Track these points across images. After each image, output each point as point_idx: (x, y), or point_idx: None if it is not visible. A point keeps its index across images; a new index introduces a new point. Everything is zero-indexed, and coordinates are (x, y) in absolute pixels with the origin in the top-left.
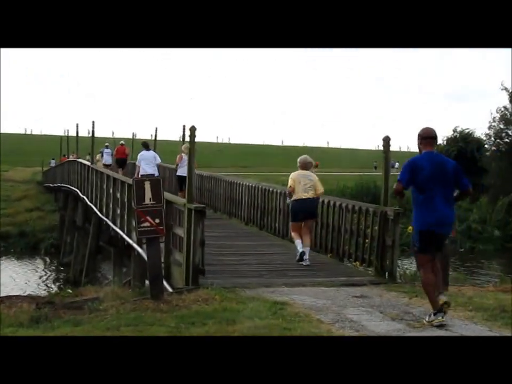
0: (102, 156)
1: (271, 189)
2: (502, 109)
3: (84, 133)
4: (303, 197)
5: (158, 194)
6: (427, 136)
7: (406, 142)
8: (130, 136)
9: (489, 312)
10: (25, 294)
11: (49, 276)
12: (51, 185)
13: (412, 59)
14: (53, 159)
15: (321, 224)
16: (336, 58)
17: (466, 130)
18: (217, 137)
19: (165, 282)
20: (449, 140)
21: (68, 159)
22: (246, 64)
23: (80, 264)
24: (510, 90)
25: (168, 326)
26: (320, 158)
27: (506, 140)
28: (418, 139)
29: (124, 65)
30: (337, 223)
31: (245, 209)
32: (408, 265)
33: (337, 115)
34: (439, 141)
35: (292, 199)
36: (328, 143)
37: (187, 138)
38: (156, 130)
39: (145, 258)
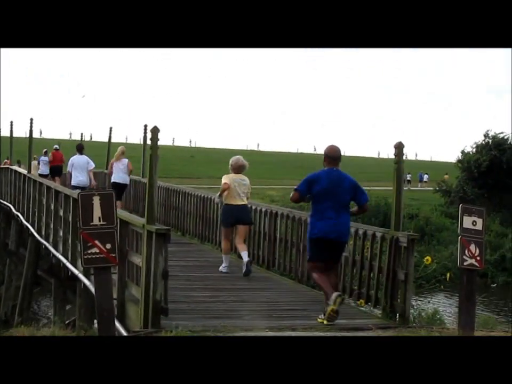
0: (39, 163)
1: (253, 207)
2: None
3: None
4: (239, 203)
5: (110, 213)
6: (331, 156)
7: (413, 148)
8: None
9: None
10: None
11: None
12: None
13: (412, 59)
14: None
15: None
16: (336, 58)
17: (501, 135)
18: (190, 141)
19: (117, 324)
20: (480, 147)
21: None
22: (244, 65)
23: (13, 298)
24: None
25: None
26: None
27: None
28: (324, 156)
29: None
30: None
31: (220, 232)
32: (425, 304)
33: (337, 116)
34: (469, 149)
35: (225, 202)
36: (344, 152)
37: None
38: (110, 130)
39: (94, 292)
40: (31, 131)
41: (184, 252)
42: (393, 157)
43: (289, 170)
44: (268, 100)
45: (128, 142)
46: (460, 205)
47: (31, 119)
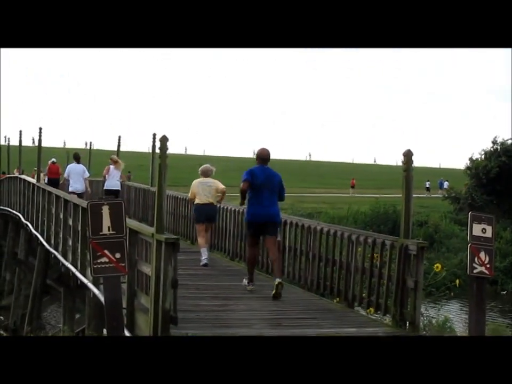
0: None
1: None
2: None
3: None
4: (205, 202)
5: (120, 222)
6: (262, 158)
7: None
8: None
9: None
10: None
11: None
12: None
13: (412, 59)
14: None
15: (325, 261)
16: (336, 58)
17: (510, 141)
18: (203, 151)
19: (127, 333)
20: (489, 154)
21: (8, 176)
22: (245, 67)
23: (22, 307)
24: None
25: None
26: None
27: None
28: (256, 157)
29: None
30: (346, 259)
31: (230, 241)
32: (435, 311)
33: (337, 115)
34: (477, 155)
35: (195, 202)
36: (375, 159)
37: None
38: (119, 139)
39: (103, 301)
40: (39, 140)
41: (193, 260)
42: (394, 163)
43: (298, 178)
44: (273, 104)
45: (137, 150)
46: (469, 213)
47: (40, 128)
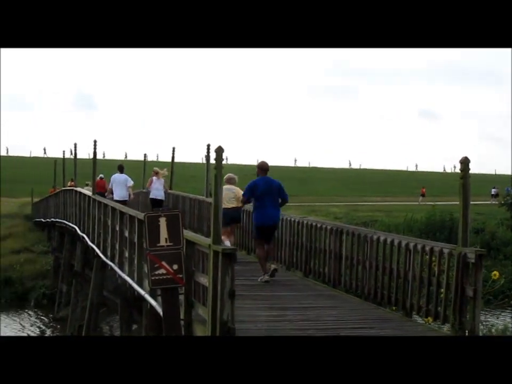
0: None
1: (318, 225)
2: None
3: (83, 154)
4: (228, 207)
5: (177, 234)
6: (263, 169)
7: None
8: (153, 158)
9: None
10: None
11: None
12: (43, 220)
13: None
14: None
15: (382, 269)
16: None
17: None
18: (257, 160)
19: None
20: None
21: (62, 189)
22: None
23: (79, 319)
24: None
25: None
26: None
27: None
28: (257, 168)
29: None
30: (403, 268)
31: (285, 251)
32: (494, 319)
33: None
34: None
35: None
36: (416, 166)
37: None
38: (173, 151)
39: (160, 313)
40: (94, 153)
41: (249, 270)
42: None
43: (349, 187)
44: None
45: (190, 161)
46: None
47: (95, 141)
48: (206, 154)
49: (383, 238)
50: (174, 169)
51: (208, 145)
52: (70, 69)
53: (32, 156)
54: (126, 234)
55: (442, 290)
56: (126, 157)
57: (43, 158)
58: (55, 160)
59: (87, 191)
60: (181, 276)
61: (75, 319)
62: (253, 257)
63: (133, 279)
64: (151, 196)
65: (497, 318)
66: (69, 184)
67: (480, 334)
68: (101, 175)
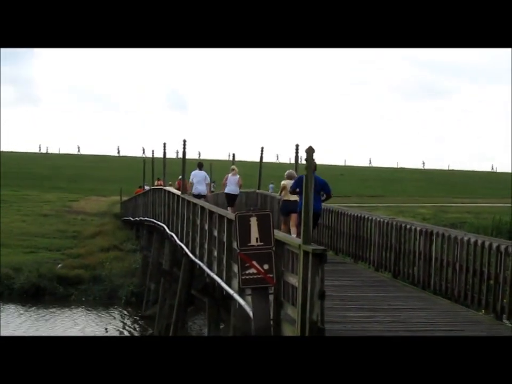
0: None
1: (407, 226)
2: None
3: (169, 154)
4: (291, 199)
5: (268, 234)
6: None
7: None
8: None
9: None
10: None
11: (127, 333)
12: (131, 219)
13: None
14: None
15: (473, 272)
16: None
17: None
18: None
19: None
20: None
21: (153, 187)
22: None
23: (167, 317)
24: None
25: None
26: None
27: None
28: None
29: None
30: (494, 270)
31: (374, 251)
32: None
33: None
34: None
35: (283, 199)
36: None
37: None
38: (262, 150)
39: (249, 312)
40: (184, 152)
41: (337, 271)
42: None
43: (436, 187)
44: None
45: (278, 161)
46: None
47: (184, 140)
48: (295, 154)
49: (473, 240)
50: (262, 169)
51: (297, 145)
52: (160, 68)
53: (120, 155)
54: (215, 233)
55: None
56: (199, 155)
57: (116, 157)
58: (144, 159)
59: (176, 190)
60: (271, 275)
61: (163, 317)
62: (341, 257)
63: (221, 278)
64: (226, 191)
65: None
66: (156, 183)
67: None
68: (180, 177)
